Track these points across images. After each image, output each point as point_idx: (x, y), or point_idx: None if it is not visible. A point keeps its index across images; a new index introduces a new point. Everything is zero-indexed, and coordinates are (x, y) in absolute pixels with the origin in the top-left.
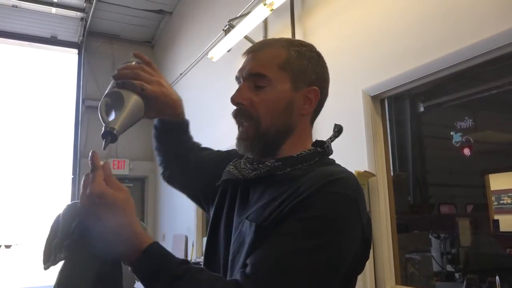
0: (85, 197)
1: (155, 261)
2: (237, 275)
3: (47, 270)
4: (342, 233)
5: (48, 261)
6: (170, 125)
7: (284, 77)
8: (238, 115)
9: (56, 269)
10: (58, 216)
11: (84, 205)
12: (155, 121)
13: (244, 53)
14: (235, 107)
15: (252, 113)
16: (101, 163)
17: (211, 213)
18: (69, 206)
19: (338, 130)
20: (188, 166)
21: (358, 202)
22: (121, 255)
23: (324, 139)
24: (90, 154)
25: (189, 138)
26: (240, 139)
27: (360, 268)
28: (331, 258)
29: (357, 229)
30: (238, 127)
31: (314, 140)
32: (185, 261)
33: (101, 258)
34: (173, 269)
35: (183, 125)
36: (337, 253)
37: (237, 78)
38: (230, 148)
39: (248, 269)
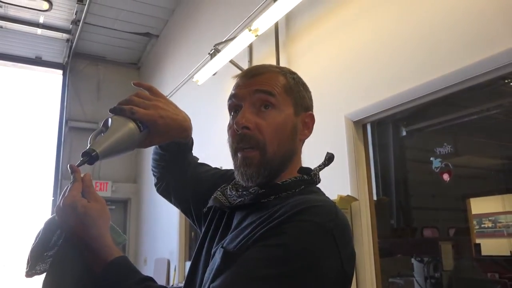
0: (59, 208)
1: (117, 275)
2: None
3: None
4: (308, 263)
5: (27, 268)
6: (176, 147)
7: (288, 100)
8: (242, 141)
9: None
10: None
11: (58, 215)
12: None
13: (241, 78)
14: (232, 133)
15: (258, 138)
16: (82, 175)
17: (200, 237)
18: (51, 218)
19: (329, 159)
20: (183, 182)
21: (334, 232)
22: (89, 266)
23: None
24: (69, 168)
25: (190, 156)
26: (243, 166)
27: None
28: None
29: (331, 261)
30: (235, 154)
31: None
32: (147, 279)
33: (82, 269)
34: (132, 285)
35: (187, 146)
36: (297, 284)
37: (232, 106)
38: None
39: None
